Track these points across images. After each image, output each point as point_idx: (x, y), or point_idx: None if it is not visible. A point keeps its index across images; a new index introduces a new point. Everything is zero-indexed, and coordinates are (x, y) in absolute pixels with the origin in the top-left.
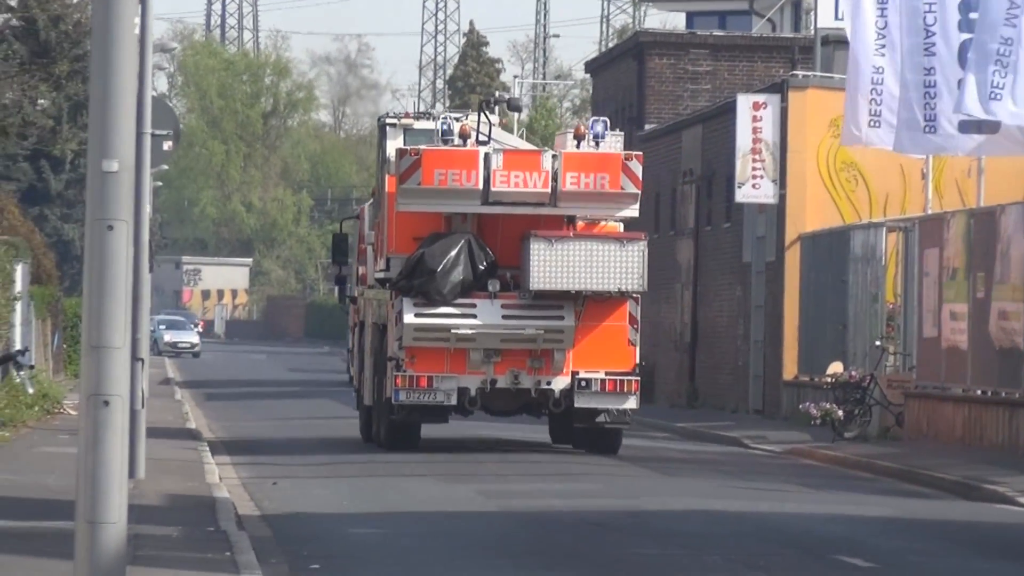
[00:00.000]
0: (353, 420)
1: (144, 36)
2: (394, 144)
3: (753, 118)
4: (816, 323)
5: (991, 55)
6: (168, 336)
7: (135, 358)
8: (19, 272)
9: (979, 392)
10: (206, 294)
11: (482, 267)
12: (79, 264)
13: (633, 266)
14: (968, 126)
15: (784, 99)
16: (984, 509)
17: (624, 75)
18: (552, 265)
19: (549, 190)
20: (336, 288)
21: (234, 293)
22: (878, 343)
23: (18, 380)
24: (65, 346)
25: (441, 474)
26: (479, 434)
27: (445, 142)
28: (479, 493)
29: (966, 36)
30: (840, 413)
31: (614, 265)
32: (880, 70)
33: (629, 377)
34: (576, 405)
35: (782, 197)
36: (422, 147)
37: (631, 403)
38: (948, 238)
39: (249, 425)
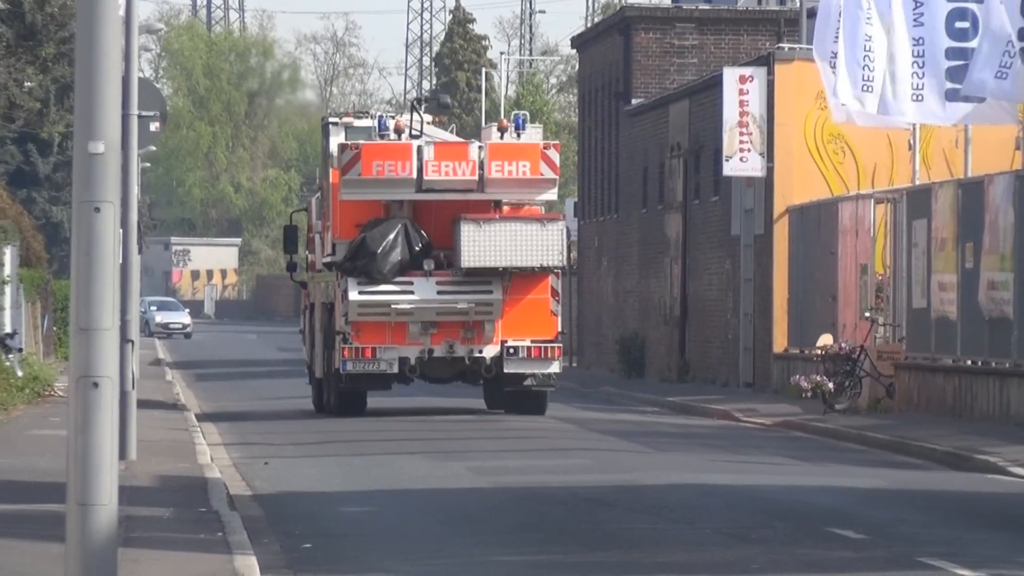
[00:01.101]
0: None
1: (129, 17)
2: (336, 141)
3: (740, 91)
4: (805, 295)
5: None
6: (159, 317)
7: (124, 339)
8: (8, 255)
9: (969, 362)
10: (195, 275)
11: (418, 248)
12: (68, 246)
13: (553, 244)
14: (955, 95)
15: (771, 72)
16: (975, 479)
17: (610, 50)
18: (480, 245)
19: (476, 177)
20: (290, 275)
21: (224, 273)
22: (867, 315)
23: (8, 363)
24: (55, 328)
25: (432, 451)
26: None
27: (382, 137)
28: (470, 469)
29: (954, 6)
30: (830, 385)
31: (536, 244)
32: (870, 38)
33: (552, 344)
34: (505, 371)
35: (770, 170)
36: (361, 142)
37: (554, 367)
38: (936, 209)
39: (240, 405)
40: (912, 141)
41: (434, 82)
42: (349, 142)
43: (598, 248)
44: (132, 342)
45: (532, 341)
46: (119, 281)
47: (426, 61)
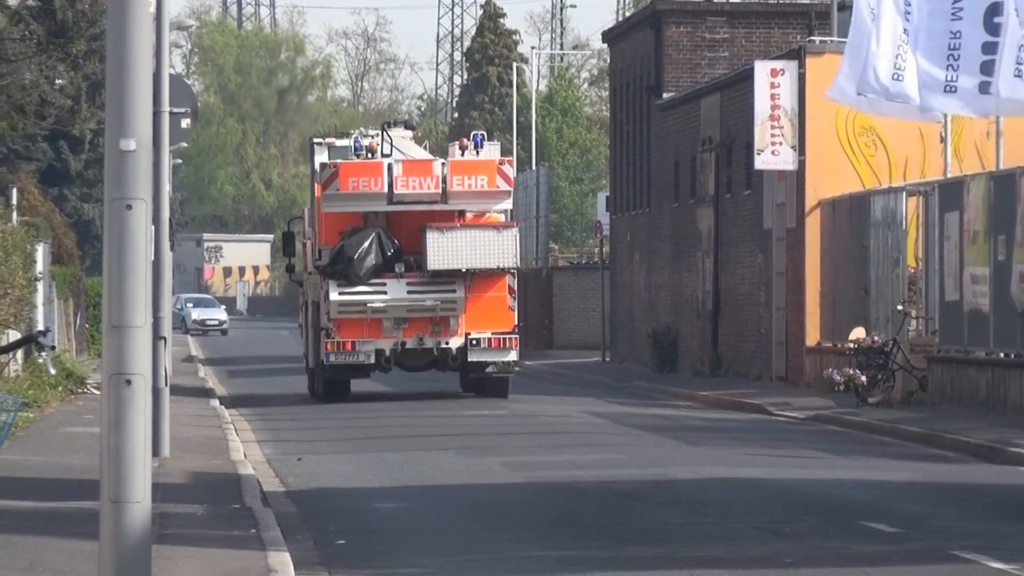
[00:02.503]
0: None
1: (160, 14)
2: (320, 159)
3: (771, 85)
4: (838, 289)
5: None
6: (196, 314)
7: (157, 336)
8: (40, 252)
9: (1002, 355)
10: (227, 271)
11: (390, 253)
12: (100, 244)
13: (508, 248)
14: (987, 88)
15: (802, 65)
16: (1009, 472)
17: (641, 44)
18: (444, 250)
19: (440, 191)
20: (289, 275)
21: (256, 269)
22: (900, 308)
23: (41, 361)
24: (88, 325)
25: (465, 447)
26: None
27: (357, 156)
28: (503, 465)
29: (992, 0)
30: (863, 378)
31: (493, 248)
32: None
33: (510, 335)
34: (469, 359)
35: (801, 163)
36: (339, 161)
37: (512, 356)
38: (968, 201)
39: (272, 401)
40: (944, 133)
41: (465, 77)
42: (329, 161)
43: (630, 242)
44: (165, 339)
45: (492, 333)
46: (151, 278)
47: (457, 56)
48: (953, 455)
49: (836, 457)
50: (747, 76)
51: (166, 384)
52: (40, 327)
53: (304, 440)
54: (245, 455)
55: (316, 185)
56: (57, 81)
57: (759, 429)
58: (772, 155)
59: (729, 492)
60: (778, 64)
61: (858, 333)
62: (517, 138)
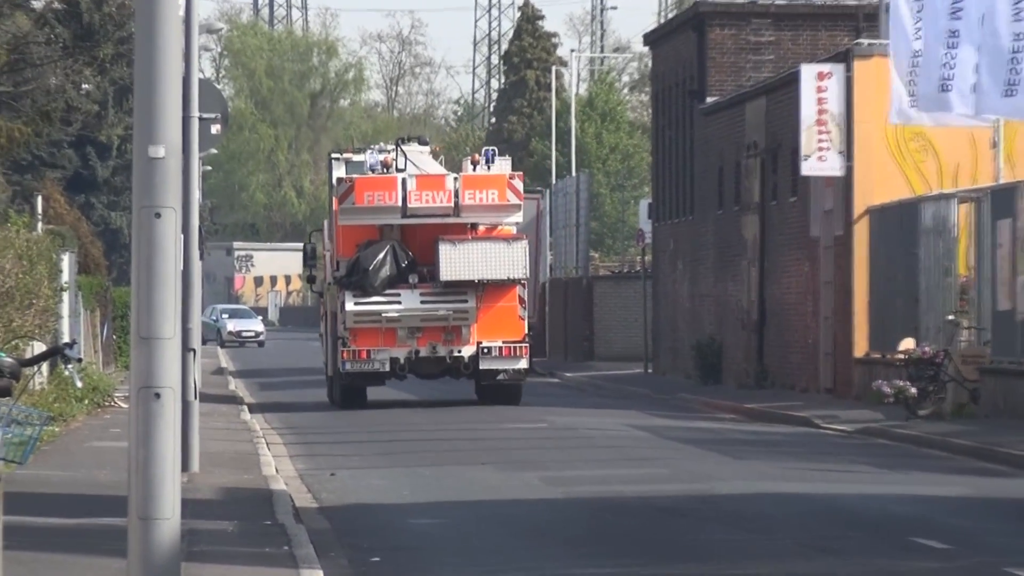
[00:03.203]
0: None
1: (189, 16)
2: (337, 173)
3: (818, 88)
4: (887, 298)
5: None
6: (231, 325)
7: (187, 348)
8: (66, 262)
9: None
10: (259, 281)
11: (404, 265)
12: (127, 253)
13: (518, 259)
14: None
15: (849, 68)
16: None
17: (684, 47)
18: (456, 261)
19: (452, 204)
20: (310, 286)
21: (287, 279)
22: (951, 317)
23: (67, 373)
24: (115, 337)
25: (503, 461)
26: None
27: (372, 171)
28: (542, 480)
29: None
30: (913, 391)
31: (504, 259)
32: (955, 33)
33: (520, 344)
34: (481, 367)
35: (849, 169)
36: (354, 176)
37: (523, 364)
38: (1021, 208)
39: (304, 414)
40: (995, 139)
41: (502, 81)
42: (346, 176)
43: (673, 251)
44: (194, 351)
45: (503, 342)
46: (180, 288)
47: (494, 59)
48: (1006, 469)
49: (885, 471)
50: (793, 79)
51: (196, 397)
52: (66, 339)
53: (337, 454)
54: (277, 470)
55: (334, 199)
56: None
57: (806, 443)
58: (819, 160)
59: (774, 507)
60: (825, 67)
61: (908, 344)
62: (556, 144)
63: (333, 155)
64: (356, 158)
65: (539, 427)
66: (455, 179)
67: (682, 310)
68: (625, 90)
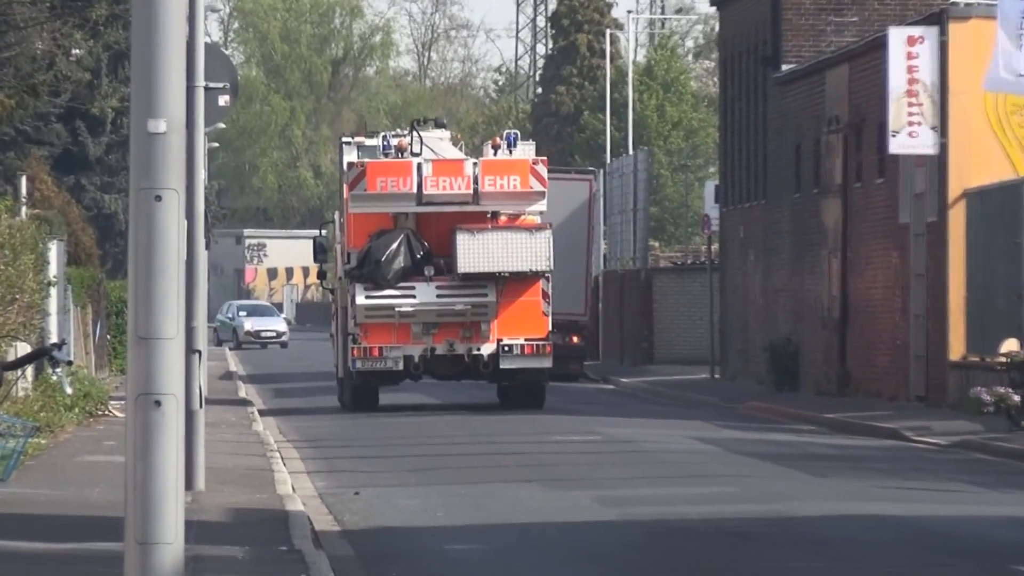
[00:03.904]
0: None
1: None
2: (348, 158)
3: (908, 55)
4: (986, 293)
5: None
6: (249, 324)
7: (191, 350)
8: (54, 251)
9: None
10: (272, 273)
11: (419, 256)
12: (124, 241)
13: (541, 250)
14: None
15: (943, 32)
16: None
17: (756, 7)
18: (475, 252)
19: (471, 191)
20: (320, 282)
21: (305, 271)
22: None
23: (55, 378)
24: (109, 337)
25: (551, 478)
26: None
27: (385, 155)
28: (595, 500)
29: None
30: (1016, 398)
31: (526, 250)
32: None
33: (543, 341)
34: (501, 367)
35: (943, 147)
36: (366, 160)
37: (547, 363)
38: None
39: (324, 425)
40: None
41: (550, 46)
42: (357, 160)
43: (743, 239)
44: (199, 353)
45: (525, 339)
46: (184, 281)
47: (540, 22)
48: None
49: (985, 490)
50: (880, 45)
51: (201, 405)
52: (54, 339)
53: (362, 470)
54: (293, 488)
55: (344, 186)
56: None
57: (894, 457)
58: (909, 137)
59: (859, 531)
60: (916, 31)
61: (1010, 345)
62: (611, 117)
63: (344, 139)
64: (369, 142)
65: (591, 440)
66: (474, 164)
67: (753, 307)
68: (689, 57)
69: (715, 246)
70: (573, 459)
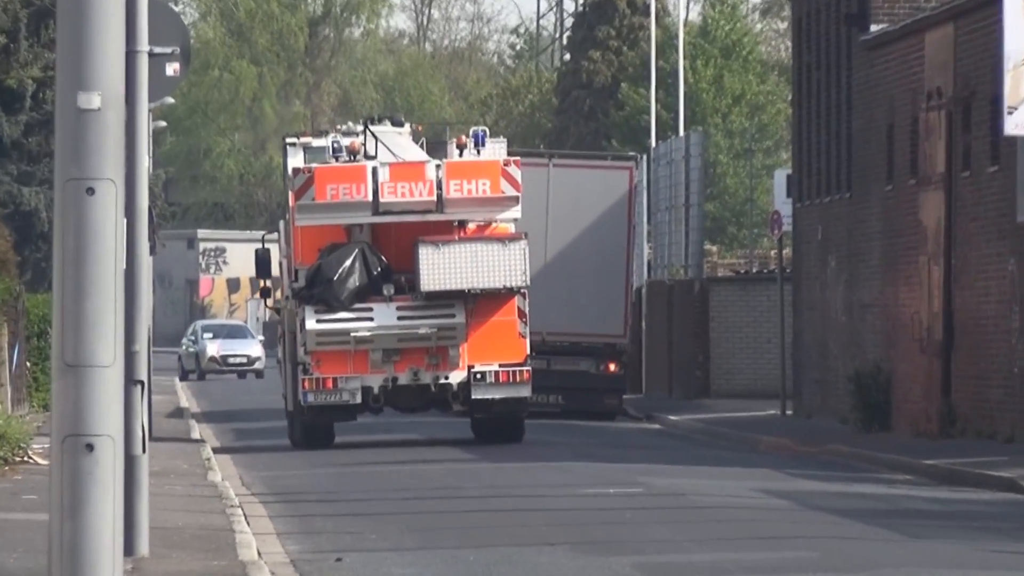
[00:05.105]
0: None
1: None
2: (293, 162)
3: None
4: None
5: None
6: (214, 348)
7: (132, 381)
8: None
9: None
10: (233, 284)
11: (376, 273)
12: (47, 245)
13: (516, 263)
14: None
15: None
16: None
17: None
18: (440, 267)
19: (434, 198)
20: (263, 301)
21: (276, 282)
22: None
23: None
24: (29, 364)
25: (580, 540)
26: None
27: (336, 159)
28: (638, 568)
29: None
30: None
31: (498, 264)
32: None
33: (521, 367)
34: (473, 397)
35: None
36: (314, 165)
37: (525, 391)
38: None
39: (299, 474)
40: None
41: (580, 2)
42: (303, 165)
43: (822, 242)
44: (142, 383)
45: (500, 365)
46: (123, 296)
47: None
48: None
49: None
50: (992, 0)
51: (144, 450)
52: None
53: (345, 530)
54: (259, 553)
55: (290, 194)
56: None
57: (1012, 514)
58: None
59: None
60: None
61: None
62: (657, 91)
63: (288, 140)
64: (316, 143)
65: (632, 492)
66: (437, 167)
67: (835, 326)
68: (755, 15)
69: (787, 251)
70: (609, 516)
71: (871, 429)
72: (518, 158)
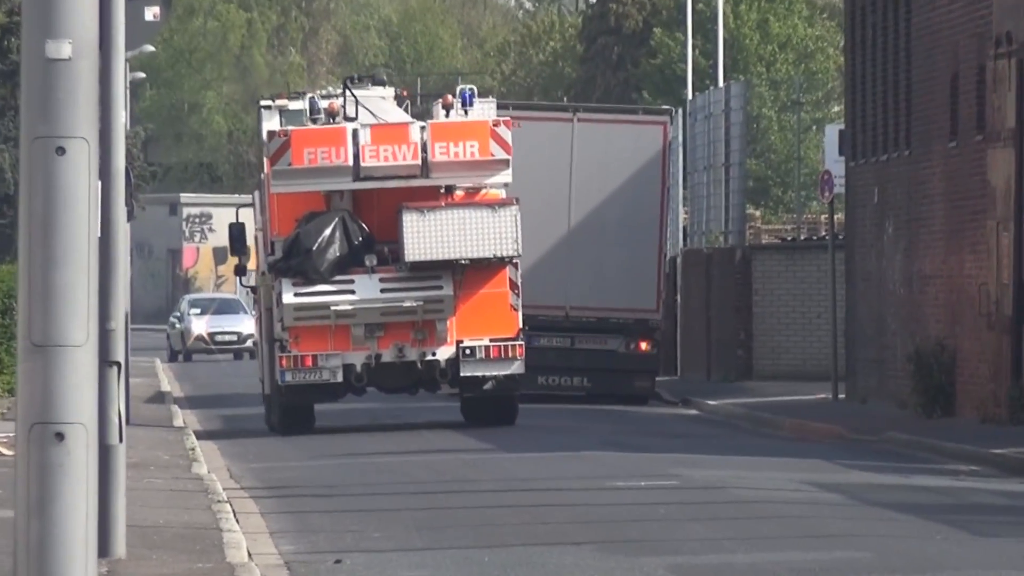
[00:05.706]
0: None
1: None
2: (268, 126)
3: None
4: None
5: None
6: (200, 325)
7: (107, 362)
8: None
9: None
10: (220, 254)
11: (358, 242)
12: (12, 211)
13: (507, 231)
14: None
15: None
16: None
17: None
18: (426, 236)
19: (419, 161)
20: (239, 279)
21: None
22: None
23: None
24: None
25: (608, 539)
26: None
27: (314, 121)
28: (672, 570)
29: None
30: None
31: (488, 231)
32: None
33: (513, 342)
34: (462, 374)
35: None
36: (290, 128)
37: (517, 368)
38: None
39: (294, 466)
40: None
41: None
42: (279, 128)
43: (878, 206)
44: (118, 365)
45: (491, 340)
46: (97, 267)
47: None
48: None
49: None
50: None
51: (121, 439)
52: None
53: (346, 528)
54: (250, 554)
55: (265, 160)
56: None
57: None
58: None
59: None
60: None
61: None
62: (694, 36)
63: (263, 103)
64: (293, 105)
65: (666, 485)
66: (422, 129)
67: (892, 299)
68: None
69: (839, 215)
70: (641, 512)
71: (932, 414)
72: (508, 119)
